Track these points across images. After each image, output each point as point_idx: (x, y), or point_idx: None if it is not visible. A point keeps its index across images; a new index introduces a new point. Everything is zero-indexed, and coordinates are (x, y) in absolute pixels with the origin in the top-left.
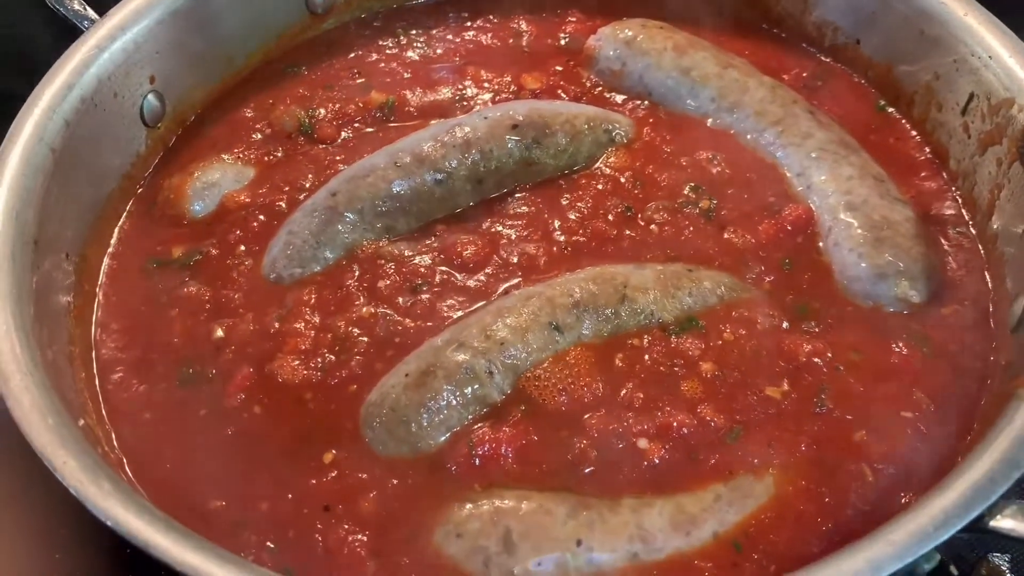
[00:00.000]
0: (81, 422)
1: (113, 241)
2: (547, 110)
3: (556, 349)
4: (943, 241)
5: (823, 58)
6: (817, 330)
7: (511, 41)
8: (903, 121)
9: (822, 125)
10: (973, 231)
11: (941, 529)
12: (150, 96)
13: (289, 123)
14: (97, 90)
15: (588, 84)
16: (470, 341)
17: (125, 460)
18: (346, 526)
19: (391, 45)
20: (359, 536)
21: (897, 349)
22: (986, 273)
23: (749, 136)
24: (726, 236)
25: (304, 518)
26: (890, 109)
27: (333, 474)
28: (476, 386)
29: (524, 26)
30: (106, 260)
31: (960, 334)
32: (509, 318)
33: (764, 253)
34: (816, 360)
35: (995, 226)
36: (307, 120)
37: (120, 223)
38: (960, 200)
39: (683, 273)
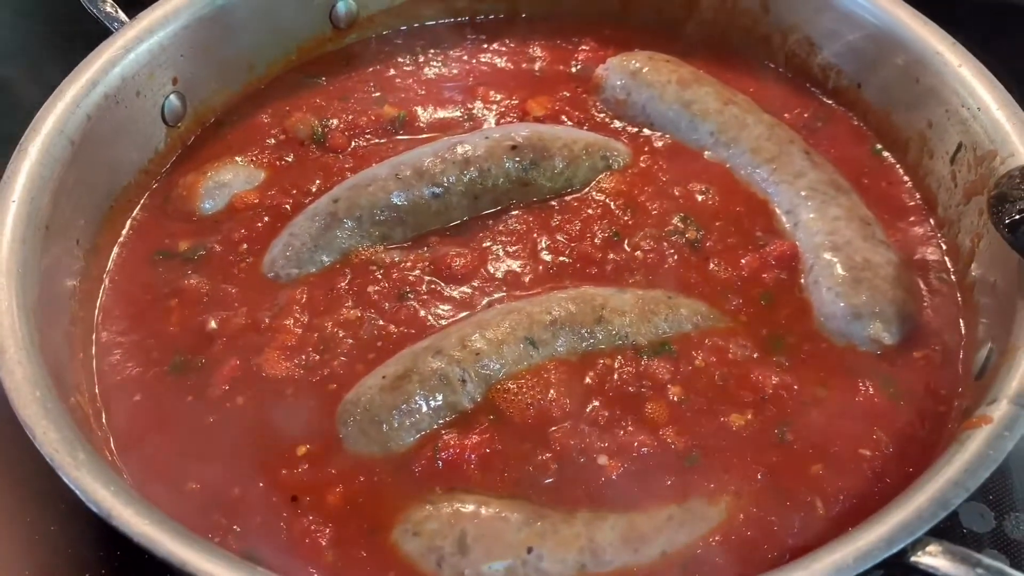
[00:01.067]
0: (72, 399)
1: (125, 231)
2: (547, 134)
3: (530, 363)
4: (923, 286)
5: (825, 100)
6: (787, 364)
7: (524, 65)
8: (897, 166)
9: (816, 165)
10: (953, 278)
11: (862, 560)
12: (172, 97)
13: (303, 131)
14: (120, 88)
15: (593, 111)
16: (447, 349)
17: (112, 438)
18: (310, 517)
19: (408, 62)
20: (321, 527)
21: (863, 388)
22: (961, 320)
23: (744, 171)
24: (710, 267)
25: (272, 506)
26: (885, 153)
27: (304, 467)
28: (448, 393)
29: (539, 52)
30: (116, 249)
31: (928, 378)
32: (487, 330)
33: (745, 286)
34: (783, 393)
35: (974, 274)
36: (320, 129)
37: (134, 215)
38: (944, 247)
39: (662, 299)
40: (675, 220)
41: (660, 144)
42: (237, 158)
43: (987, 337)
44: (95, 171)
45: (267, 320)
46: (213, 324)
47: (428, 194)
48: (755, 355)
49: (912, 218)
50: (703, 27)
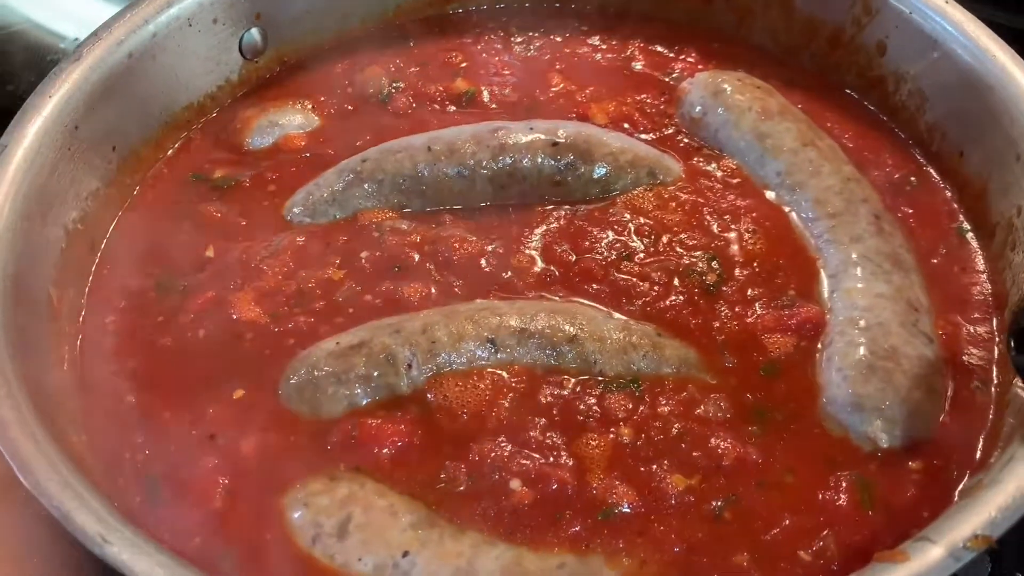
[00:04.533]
0: (49, 291)
1: (174, 148)
2: (595, 138)
3: (484, 364)
4: (953, 393)
5: (923, 161)
6: (760, 437)
7: (618, 64)
8: (978, 253)
9: (880, 232)
10: (994, 392)
11: None
12: (253, 31)
13: (371, 87)
14: (196, 13)
15: (664, 123)
16: (406, 331)
17: (81, 336)
18: (217, 460)
19: (499, 40)
20: (224, 473)
21: (834, 484)
22: (981, 441)
23: (801, 222)
24: (719, 315)
25: (189, 439)
26: (970, 235)
27: (233, 410)
28: (390, 373)
29: (637, 53)
30: (158, 163)
31: (916, 495)
32: (453, 321)
33: (747, 345)
34: (741, 466)
35: (1015, 391)
36: (387, 89)
37: (188, 134)
38: (998, 354)
39: (649, 335)
40: (699, 257)
41: (721, 173)
42: (300, 101)
43: (992, 466)
44: (152, 85)
45: (258, 259)
46: (210, 252)
47: (453, 173)
48: (727, 418)
49: (975, 314)
50: (816, 59)
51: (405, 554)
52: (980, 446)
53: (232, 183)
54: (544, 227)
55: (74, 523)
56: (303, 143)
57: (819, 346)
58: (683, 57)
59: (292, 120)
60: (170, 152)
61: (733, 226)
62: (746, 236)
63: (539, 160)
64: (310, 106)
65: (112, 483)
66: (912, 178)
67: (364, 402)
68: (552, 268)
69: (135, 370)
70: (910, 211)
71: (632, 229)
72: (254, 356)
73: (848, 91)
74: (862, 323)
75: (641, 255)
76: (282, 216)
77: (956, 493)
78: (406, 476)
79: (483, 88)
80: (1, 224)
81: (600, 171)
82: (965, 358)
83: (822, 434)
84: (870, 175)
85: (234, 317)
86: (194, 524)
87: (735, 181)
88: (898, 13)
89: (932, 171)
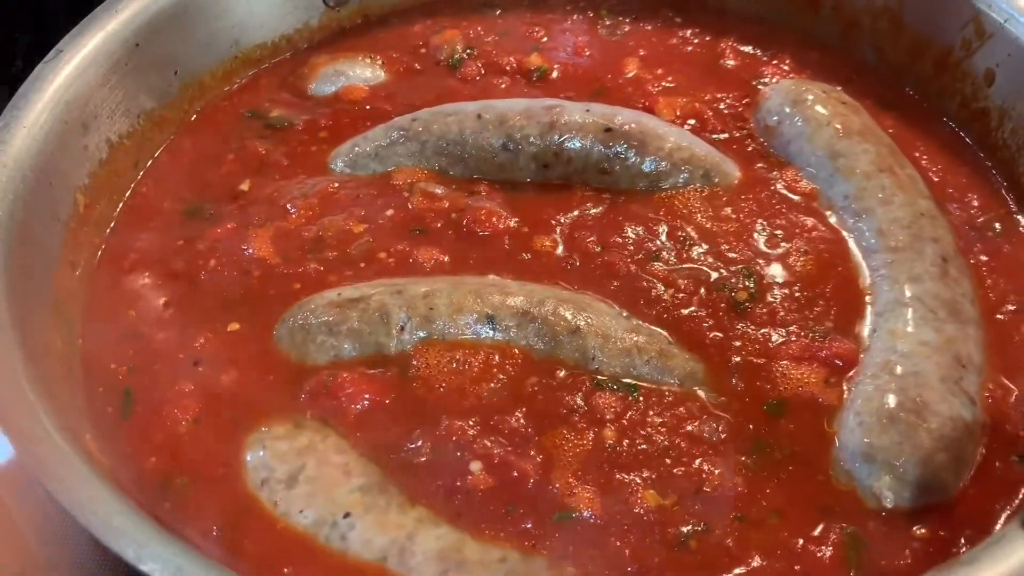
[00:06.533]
0: (82, 199)
1: (239, 83)
2: (651, 130)
3: (477, 340)
4: (985, 462)
5: (1014, 208)
6: (752, 470)
7: (704, 60)
8: None
9: (944, 276)
10: None
11: None
12: None
13: (444, 50)
14: None
15: (736, 127)
16: (408, 294)
17: (104, 247)
18: (193, 387)
19: (586, 20)
20: (197, 400)
21: (819, 534)
22: (1002, 520)
23: (860, 251)
24: (740, 334)
25: (174, 362)
26: None
27: (223, 342)
28: (381, 332)
29: (728, 52)
30: (221, 95)
31: (911, 564)
32: (456, 292)
33: (761, 373)
34: (723, 495)
35: None
36: (459, 55)
37: (256, 72)
38: None
39: (659, 340)
40: (734, 271)
41: (783, 186)
42: (371, 56)
43: None
44: (225, 17)
45: (286, 199)
46: (245, 186)
47: (498, 144)
48: (721, 441)
49: None
50: (920, 83)
51: (347, 515)
52: (1000, 524)
53: (285, 124)
54: (577, 213)
55: (8, 416)
56: (364, 96)
57: (844, 386)
58: (776, 62)
59: (359, 72)
60: (235, 86)
61: (783, 244)
62: (794, 256)
63: (588, 144)
64: (380, 61)
65: (91, 390)
66: (997, 224)
67: (351, 355)
68: (574, 257)
69: (143, 288)
70: (985, 259)
71: (668, 230)
72: (257, 294)
73: (947, 120)
74: (897, 369)
75: (672, 259)
76: (326, 163)
77: None
78: (370, 437)
79: (555, 66)
80: (38, 124)
81: (650, 165)
82: (1009, 427)
83: (825, 481)
84: (951, 213)
85: (248, 252)
86: (155, 444)
87: (796, 197)
88: (1013, 40)
89: (1022, 219)
